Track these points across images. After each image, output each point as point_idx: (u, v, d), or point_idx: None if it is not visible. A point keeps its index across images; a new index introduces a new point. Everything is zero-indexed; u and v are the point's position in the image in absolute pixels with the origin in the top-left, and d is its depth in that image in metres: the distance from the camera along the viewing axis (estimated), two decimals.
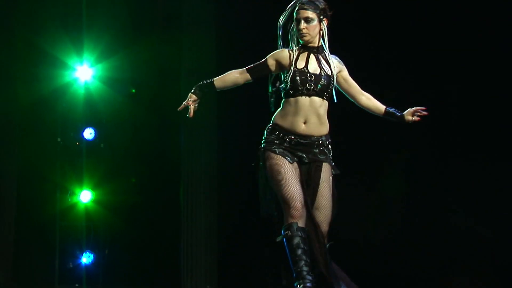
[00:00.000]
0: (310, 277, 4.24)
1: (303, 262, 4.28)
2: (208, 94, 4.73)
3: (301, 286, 4.22)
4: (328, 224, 4.47)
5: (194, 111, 4.58)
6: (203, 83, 4.58)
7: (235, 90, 6.86)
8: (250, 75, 4.61)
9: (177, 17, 8.05)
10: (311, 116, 4.47)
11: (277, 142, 4.48)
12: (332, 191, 4.54)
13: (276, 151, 4.44)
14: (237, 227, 7.86)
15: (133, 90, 8.66)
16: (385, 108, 4.67)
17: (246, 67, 4.62)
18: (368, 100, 4.71)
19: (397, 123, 4.97)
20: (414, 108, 4.66)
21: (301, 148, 4.48)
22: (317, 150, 4.49)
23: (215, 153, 8.10)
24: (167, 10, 8.17)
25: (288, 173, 4.43)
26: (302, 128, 4.48)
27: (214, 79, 4.60)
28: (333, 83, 4.53)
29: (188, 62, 7.92)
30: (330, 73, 4.50)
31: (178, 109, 4.64)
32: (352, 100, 4.69)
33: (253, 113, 7.23)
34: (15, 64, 7.93)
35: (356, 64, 5.26)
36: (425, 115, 4.67)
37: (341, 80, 4.67)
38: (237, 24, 7.75)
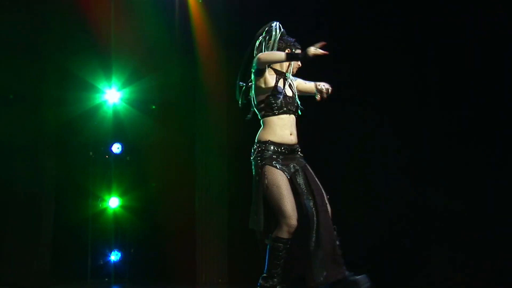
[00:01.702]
0: (277, 280, 4.79)
1: (280, 269, 4.76)
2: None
3: (269, 284, 4.77)
4: (326, 197, 4.86)
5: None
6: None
7: (245, 109, 7.45)
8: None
9: (191, 49, 8.49)
10: (293, 129, 4.97)
11: (275, 156, 4.86)
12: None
13: (277, 166, 4.81)
14: (244, 229, 7.74)
15: (153, 107, 8.97)
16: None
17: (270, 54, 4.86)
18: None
19: None
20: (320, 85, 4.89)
21: (291, 157, 4.92)
22: (298, 155, 4.98)
23: (226, 163, 8.41)
24: (183, 42, 8.57)
25: (288, 189, 4.78)
26: (290, 139, 4.95)
27: None
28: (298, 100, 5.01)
29: (202, 87, 8.42)
30: (296, 94, 5.01)
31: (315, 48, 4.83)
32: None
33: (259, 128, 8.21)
34: (49, 87, 8.22)
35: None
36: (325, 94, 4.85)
37: (301, 87, 5.08)
38: (244, 51, 8.27)
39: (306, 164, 4.98)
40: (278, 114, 4.96)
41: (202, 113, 8.48)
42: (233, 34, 8.35)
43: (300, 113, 5.01)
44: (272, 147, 4.92)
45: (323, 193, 4.89)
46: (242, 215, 7.80)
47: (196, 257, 8.29)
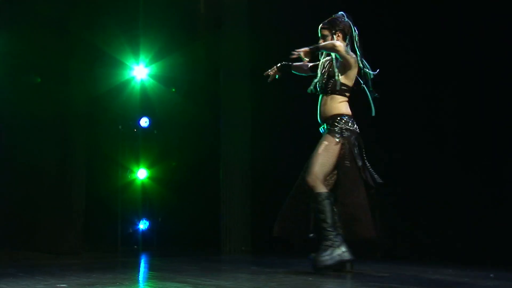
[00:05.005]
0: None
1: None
2: (285, 71, 5.81)
3: None
4: (311, 174, 5.22)
5: (272, 78, 5.78)
6: (285, 63, 5.76)
7: (267, 85, 7.59)
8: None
9: (216, 25, 8.63)
10: (321, 107, 5.48)
11: None
12: (325, 151, 5.27)
13: None
14: (267, 200, 8.07)
15: (173, 90, 9.17)
16: None
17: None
18: None
19: None
20: None
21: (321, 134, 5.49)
22: (325, 131, 5.42)
23: (249, 137, 8.54)
24: (208, 19, 8.75)
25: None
26: (318, 117, 5.52)
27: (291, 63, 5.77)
28: (333, 80, 5.39)
29: (226, 65, 8.56)
30: (333, 74, 5.41)
31: (264, 74, 5.80)
32: None
33: (281, 104, 7.99)
34: (78, 64, 8.24)
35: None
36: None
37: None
38: (267, 30, 8.13)
39: (326, 135, 5.38)
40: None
41: (226, 88, 8.63)
42: (258, 12, 8.49)
43: (329, 91, 5.40)
44: None
45: (310, 163, 5.31)
46: (265, 186, 8.27)
47: (220, 226, 8.44)
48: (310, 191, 5.22)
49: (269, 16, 8.28)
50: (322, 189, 5.19)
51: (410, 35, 7.15)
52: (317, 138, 5.50)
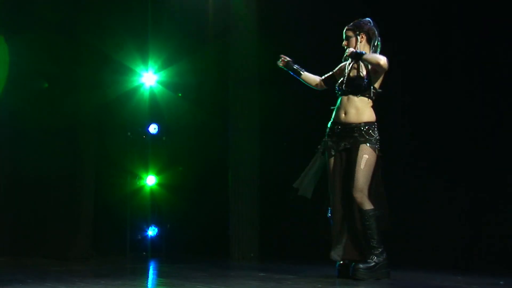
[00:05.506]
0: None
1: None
2: (292, 73, 5.92)
3: None
4: (358, 191, 5.30)
5: (281, 66, 5.89)
6: (298, 67, 5.86)
7: (276, 92, 7.50)
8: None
9: (225, 32, 8.57)
10: (349, 108, 5.47)
11: (330, 133, 5.56)
12: (367, 165, 5.34)
13: (327, 143, 5.55)
14: (275, 206, 8.18)
15: (180, 94, 9.12)
16: None
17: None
18: None
19: None
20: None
21: (344, 135, 5.46)
22: (357, 134, 5.41)
23: (257, 143, 8.46)
24: (217, 26, 8.69)
25: (330, 169, 5.52)
26: (342, 117, 5.50)
27: (304, 72, 5.88)
28: (366, 82, 5.44)
29: (235, 71, 8.48)
30: (363, 75, 5.47)
31: (280, 56, 5.89)
32: None
33: (291, 111, 8.05)
34: (86, 71, 8.23)
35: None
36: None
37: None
38: (277, 37, 8.07)
39: (364, 145, 5.38)
40: (338, 95, 5.58)
41: (235, 95, 8.59)
42: (267, 19, 8.47)
43: (360, 93, 5.45)
44: (330, 125, 5.59)
45: (355, 179, 5.33)
46: (273, 193, 8.24)
47: (229, 232, 8.40)
48: (358, 208, 5.36)
49: (278, 23, 8.28)
50: (369, 205, 5.36)
51: (417, 39, 7.16)
52: None
